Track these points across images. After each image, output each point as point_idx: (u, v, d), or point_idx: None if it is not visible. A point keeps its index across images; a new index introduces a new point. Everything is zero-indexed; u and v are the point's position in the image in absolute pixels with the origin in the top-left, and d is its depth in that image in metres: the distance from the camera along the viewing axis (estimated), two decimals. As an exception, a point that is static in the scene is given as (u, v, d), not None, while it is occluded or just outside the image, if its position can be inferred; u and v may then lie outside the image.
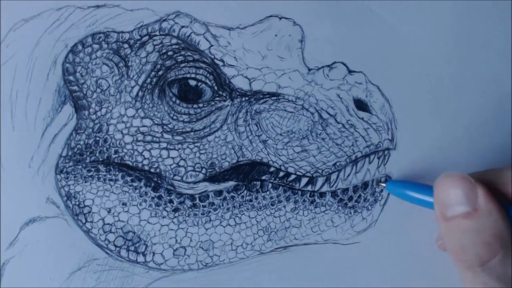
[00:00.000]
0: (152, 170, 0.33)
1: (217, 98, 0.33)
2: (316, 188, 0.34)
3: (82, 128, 0.33)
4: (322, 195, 0.34)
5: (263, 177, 0.34)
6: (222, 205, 0.34)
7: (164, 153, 0.33)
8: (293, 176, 0.34)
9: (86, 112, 0.33)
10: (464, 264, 0.28)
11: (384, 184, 0.34)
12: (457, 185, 0.28)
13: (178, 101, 0.33)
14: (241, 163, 0.34)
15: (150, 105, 0.33)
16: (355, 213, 0.35)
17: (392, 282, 0.35)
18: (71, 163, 0.33)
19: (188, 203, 0.34)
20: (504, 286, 0.27)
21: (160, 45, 0.33)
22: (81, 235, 0.33)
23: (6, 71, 0.33)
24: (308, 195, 0.34)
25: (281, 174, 0.34)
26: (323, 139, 0.34)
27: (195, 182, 0.34)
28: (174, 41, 0.33)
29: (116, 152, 0.33)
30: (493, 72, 0.35)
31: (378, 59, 0.34)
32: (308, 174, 0.34)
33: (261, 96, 0.33)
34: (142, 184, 0.33)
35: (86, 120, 0.33)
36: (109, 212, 0.33)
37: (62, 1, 0.33)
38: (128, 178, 0.33)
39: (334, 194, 0.34)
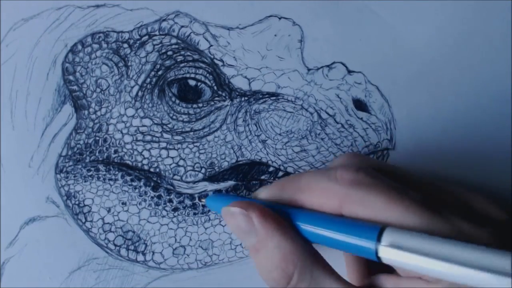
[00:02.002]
0: (151, 169, 0.33)
1: (216, 98, 0.34)
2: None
3: (82, 127, 0.33)
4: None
5: (262, 177, 0.34)
6: (222, 204, 0.34)
7: (164, 152, 0.33)
8: (292, 176, 0.34)
9: (86, 112, 0.33)
10: None
11: (204, 200, 0.33)
12: (235, 218, 0.27)
13: (177, 101, 0.33)
14: (241, 162, 0.34)
15: (150, 105, 0.33)
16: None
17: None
18: (71, 163, 0.33)
19: (188, 202, 0.34)
20: None
21: (160, 45, 0.33)
22: (81, 234, 0.34)
23: (5, 70, 0.33)
24: (307, 195, 0.34)
25: (280, 174, 0.34)
26: (322, 139, 0.34)
27: (194, 182, 0.34)
28: (173, 41, 0.33)
29: (115, 151, 0.33)
30: (493, 72, 0.35)
31: (377, 59, 0.34)
32: (307, 174, 0.34)
33: (261, 96, 0.34)
34: (141, 183, 0.34)
35: (85, 120, 0.33)
36: (108, 211, 0.34)
37: (61, 1, 0.33)
38: (128, 178, 0.33)
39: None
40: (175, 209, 0.34)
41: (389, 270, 0.27)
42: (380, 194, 0.25)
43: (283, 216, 0.27)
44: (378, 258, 0.23)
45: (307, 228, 0.26)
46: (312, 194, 0.27)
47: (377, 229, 0.23)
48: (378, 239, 0.23)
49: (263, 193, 0.29)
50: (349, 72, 0.34)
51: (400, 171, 0.29)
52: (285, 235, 0.26)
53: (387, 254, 0.23)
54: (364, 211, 0.25)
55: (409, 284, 0.25)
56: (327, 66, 0.34)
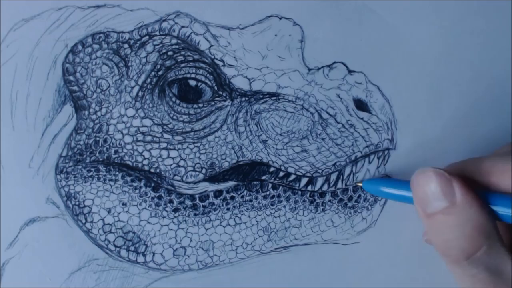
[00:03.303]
0: (152, 170, 0.33)
1: (217, 98, 0.33)
2: (316, 188, 0.34)
3: (82, 128, 0.33)
4: (322, 195, 0.34)
5: (263, 177, 0.34)
6: (222, 205, 0.34)
7: (164, 153, 0.33)
8: (293, 176, 0.34)
9: (86, 112, 0.33)
10: (450, 259, 0.28)
11: (360, 184, 0.34)
12: (432, 181, 0.28)
13: (178, 101, 0.33)
14: (241, 163, 0.34)
15: (150, 105, 0.33)
16: (355, 213, 0.35)
17: (393, 282, 0.35)
18: (71, 163, 0.33)
19: (188, 203, 0.34)
20: (493, 276, 0.27)
21: (160, 45, 0.33)
22: (81, 235, 0.33)
23: (6, 71, 0.33)
24: (308, 195, 0.34)
25: (281, 174, 0.34)
26: (323, 139, 0.34)
27: (195, 182, 0.34)
28: (174, 41, 0.33)
29: (116, 152, 0.33)
30: (493, 72, 0.35)
31: (378, 59, 0.34)
32: (308, 174, 0.34)
33: (261, 96, 0.34)
34: (142, 184, 0.33)
35: (86, 120, 0.33)
36: (109, 212, 0.33)
37: (62, 1, 0.33)
38: (128, 178, 0.33)
39: (334, 194, 0.34)
40: (176, 210, 0.34)
41: None
42: None
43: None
44: None
45: (498, 209, 0.28)
46: (501, 176, 0.28)
47: None
48: None
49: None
50: (350, 72, 0.34)
51: None
52: (483, 208, 0.27)
53: None
54: None
55: None
56: (328, 66, 0.34)
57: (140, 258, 0.34)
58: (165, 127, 0.33)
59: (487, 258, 0.27)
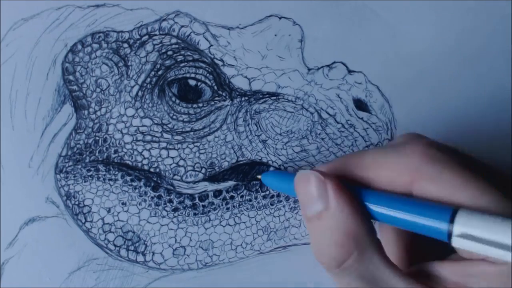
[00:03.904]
0: (151, 169, 0.33)
1: (216, 98, 0.33)
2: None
3: (82, 127, 0.33)
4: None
5: (263, 177, 0.34)
6: (222, 204, 0.34)
7: (164, 152, 0.33)
8: (292, 176, 0.34)
9: (86, 112, 0.33)
10: (324, 266, 0.26)
11: (259, 177, 0.33)
12: (310, 183, 0.26)
13: (177, 101, 0.33)
14: (241, 162, 0.34)
15: (150, 104, 0.33)
16: (354, 213, 0.35)
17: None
18: (70, 163, 0.33)
19: (188, 202, 0.34)
20: (368, 285, 0.25)
21: (160, 45, 0.33)
22: (80, 234, 0.33)
23: (5, 70, 0.33)
24: (307, 195, 0.34)
25: (281, 174, 0.34)
26: (322, 139, 0.34)
27: (194, 182, 0.34)
28: (173, 40, 0.33)
29: (115, 151, 0.33)
30: (493, 72, 0.35)
31: (378, 59, 0.34)
32: (308, 174, 0.34)
33: (261, 96, 0.33)
34: (141, 183, 0.33)
35: (85, 120, 0.33)
36: (108, 211, 0.33)
37: (61, 1, 0.33)
38: (128, 178, 0.33)
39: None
40: (175, 209, 0.34)
41: (430, 255, 0.26)
42: (455, 171, 0.24)
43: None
44: (449, 240, 0.23)
45: (375, 208, 0.26)
46: (380, 170, 0.26)
47: (450, 211, 0.23)
48: (451, 221, 0.23)
49: (323, 168, 0.28)
50: (350, 72, 0.34)
51: (461, 151, 0.27)
52: (355, 212, 0.25)
53: (460, 237, 0.23)
54: (437, 189, 0.24)
55: (474, 267, 0.24)
56: (328, 66, 0.34)
57: (140, 258, 0.34)
58: (164, 126, 0.33)
59: (358, 266, 0.25)
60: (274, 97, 0.33)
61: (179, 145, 0.33)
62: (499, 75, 0.35)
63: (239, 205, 0.34)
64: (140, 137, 0.33)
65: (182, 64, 0.33)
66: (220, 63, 0.33)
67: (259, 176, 0.33)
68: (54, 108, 0.33)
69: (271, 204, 0.34)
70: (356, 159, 0.27)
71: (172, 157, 0.33)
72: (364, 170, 0.27)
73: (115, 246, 0.33)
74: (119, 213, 0.33)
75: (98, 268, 0.34)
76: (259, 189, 0.34)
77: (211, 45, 0.33)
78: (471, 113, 0.35)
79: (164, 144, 0.33)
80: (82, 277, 0.33)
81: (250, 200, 0.34)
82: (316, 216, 0.26)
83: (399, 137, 0.29)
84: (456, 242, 0.23)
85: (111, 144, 0.33)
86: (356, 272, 0.25)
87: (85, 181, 0.33)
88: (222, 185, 0.34)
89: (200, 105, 0.33)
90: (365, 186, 0.27)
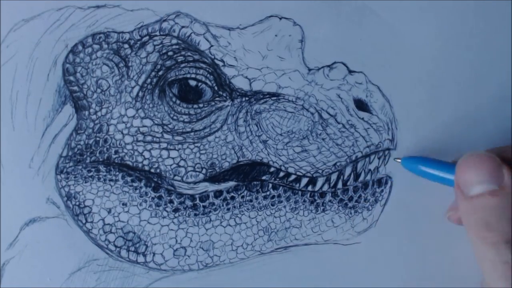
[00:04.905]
0: (152, 170, 0.33)
1: (217, 98, 0.33)
2: (316, 188, 0.34)
3: (82, 128, 0.33)
4: (322, 195, 0.34)
5: (263, 177, 0.34)
6: (222, 205, 0.34)
7: (164, 153, 0.33)
8: (293, 176, 0.34)
9: (87, 112, 0.33)
10: (488, 241, 0.28)
11: (399, 160, 0.34)
12: (482, 164, 0.29)
13: (178, 101, 0.33)
14: (241, 163, 0.34)
15: (150, 105, 0.33)
16: (355, 214, 0.35)
17: (393, 282, 0.35)
18: (71, 164, 0.33)
19: (188, 203, 0.34)
20: None
21: (160, 45, 0.33)
22: (81, 235, 0.33)
23: (6, 71, 0.33)
24: (308, 195, 0.34)
25: (281, 174, 0.34)
26: (323, 139, 0.34)
27: (195, 182, 0.34)
28: (174, 41, 0.33)
29: (116, 152, 0.33)
30: (493, 72, 0.35)
31: (378, 59, 0.34)
32: (308, 174, 0.34)
33: (261, 96, 0.33)
34: (142, 184, 0.33)
35: (86, 121, 0.33)
36: (109, 212, 0.33)
37: (62, 1, 0.33)
38: (128, 178, 0.33)
39: (334, 194, 0.34)
40: (176, 210, 0.34)
41: None
42: None
43: None
44: None
45: None
46: None
47: None
48: None
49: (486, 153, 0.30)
50: (350, 72, 0.34)
51: None
52: None
53: None
54: None
55: None
56: (328, 66, 0.34)
57: (140, 258, 0.34)
58: (165, 127, 0.33)
59: None
60: (275, 98, 0.33)
61: (180, 146, 0.33)
62: (499, 75, 0.35)
63: (239, 206, 0.34)
64: (140, 137, 0.33)
65: (182, 65, 0.33)
66: (220, 63, 0.33)
67: (398, 160, 0.34)
68: (54, 108, 0.33)
69: (272, 205, 0.34)
70: None
71: (173, 158, 0.33)
72: None
73: (116, 246, 0.33)
74: (119, 213, 0.33)
75: (98, 268, 0.33)
76: (260, 189, 0.34)
77: (212, 46, 0.33)
78: (471, 113, 0.35)
79: (164, 145, 0.33)
80: (83, 277, 0.33)
81: (251, 201, 0.34)
82: (489, 193, 0.28)
83: None
84: None
85: (111, 144, 0.33)
86: None
87: (85, 182, 0.33)
88: (222, 186, 0.34)
89: (201, 105, 0.33)
90: None
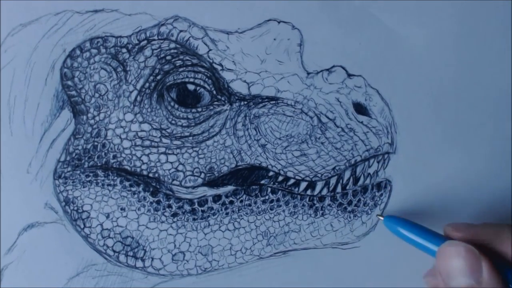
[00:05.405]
0: (150, 175, 0.33)
1: (215, 103, 0.33)
2: (315, 193, 0.34)
3: (80, 133, 0.33)
4: (321, 199, 0.34)
5: (262, 182, 0.34)
6: (221, 209, 0.34)
7: (163, 157, 0.33)
8: (292, 181, 0.34)
9: (84, 117, 0.33)
10: None
11: (381, 218, 0.34)
12: (461, 256, 0.28)
13: (176, 106, 0.33)
14: (240, 167, 0.34)
15: (149, 109, 0.33)
16: (354, 218, 0.35)
17: (392, 286, 0.35)
18: (69, 168, 0.33)
19: (187, 208, 0.34)
20: None
21: (159, 50, 0.33)
22: (79, 240, 0.33)
23: (4, 76, 0.33)
24: (307, 199, 0.34)
25: (280, 178, 0.34)
26: (322, 143, 0.34)
27: (194, 187, 0.34)
28: (172, 45, 0.33)
29: (114, 157, 0.33)
30: (493, 74, 0.34)
31: (377, 63, 0.34)
32: (307, 178, 0.34)
33: (260, 100, 0.33)
34: (140, 189, 0.33)
35: (84, 125, 0.33)
36: (107, 217, 0.33)
37: (60, 6, 0.33)
38: (127, 183, 0.33)
39: (333, 198, 0.34)
40: (174, 215, 0.34)
41: None
42: None
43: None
44: None
45: None
46: None
47: None
48: None
49: (457, 233, 0.30)
50: (349, 75, 0.34)
51: None
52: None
53: None
54: None
55: None
56: (327, 69, 0.34)
57: (139, 263, 0.34)
58: (163, 131, 0.33)
59: None
60: (273, 101, 0.33)
61: (178, 150, 0.33)
62: (499, 77, 0.35)
63: (238, 210, 0.34)
64: (139, 142, 0.33)
65: (181, 69, 0.33)
66: (219, 67, 0.33)
67: (381, 218, 0.34)
68: (52, 113, 0.33)
69: (271, 209, 0.34)
70: (495, 231, 0.29)
71: (171, 162, 0.33)
72: (504, 245, 0.29)
73: (114, 251, 0.33)
74: (118, 218, 0.33)
75: (97, 274, 0.33)
76: (259, 193, 0.34)
77: (210, 50, 0.33)
78: (471, 116, 0.35)
79: (163, 149, 0.33)
80: (81, 282, 0.33)
81: (250, 205, 0.34)
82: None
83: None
84: None
85: (109, 149, 0.33)
86: None
87: (83, 187, 0.33)
88: (221, 190, 0.34)
89: (199, 109, 0.33)
90: (505, 261, 0.29)
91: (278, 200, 0.34)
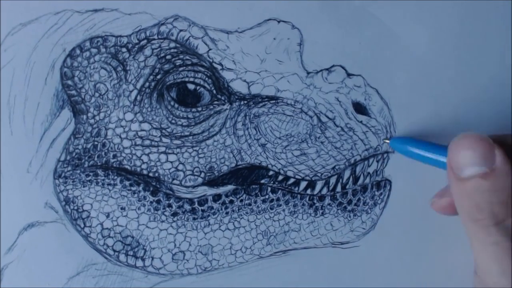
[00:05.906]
0: (150, 174, 0.33)
1: (215, 102, 0.33)
2: (315, 192, 0.34)
3: (81, 132, 0.33)
4: (321, 198, 0.34)
5: (262, 181, 0.34)
6: (221, 209, 0.34)
7: (163, 157, 0.33)
8: (292, 180, 0.34)
9: (84, 117, 0.33)
10: (478, 223, 0.28)
11: (388, 141, 0.34)
12: (475, 145, 0.28)
13: (176, 105, 0.33)
14: (240, 167, 0.34)
15: (149, 109, 0.33)
16: (354, 217, 0.35)
17: (392, 285, 0.35)
18: (69, 168, 0.33)
19: (187, 207, 0.34)
20: None
21: (159, 49, 0.33)
22: (79, 240, 0.33)
23: (4, 75, 0.33)
24: (307, 198, 0.34)
25: (280, 177, 0.34)
26: (322, 142, 0.34)
27: (194, 186, 0.34)
28: (172, 45, 0.33)
29: (114, 156, 0.33)
30: (493, 73, 0.34)
31: (376, 62, 0.34)
32: (307, 178, 0.34)
33: (260, 100, 0.33)
34: (140, 188, 0.33)
35: (84, 125, 0.33)
36: (107, 216, 0.33)
37: (60, 5, 0.33)
38: (127, 183, 0.33)
39: (333, 197, 0.34)
40: (174, 214, 0.34)
41: None
42: None
43: None
44: None
45: None
46: None
47: None
48: None
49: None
50: (349, 75, 0.34)
51: None
52: None
53: None
54: None
55: None
56: (327, 69, 0.34)
57: (139, 263, 0.34)
58: (163, 131, 0.33)
59: None
60: (273, 101, 0.33)
61: (178, 150, 0.33)
62: (499, 76, 0.35)
63: (238, 210, 0.34)
64: (139, 141, 0.33)
65: (181, 68, 0.33)
66: (219, 67, 0.33)
67: (387, 141, 0.34)
68: (52, 113, 0.33)
69: (271, 208, 0.34)
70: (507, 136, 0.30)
71: (171, 162, 0.33)
72: None
73: (114, 251, 0.33)
74: (118, 218, 0.33)
75: (97, 273, 0.33)
76: (259, 193, 0.34)
77: (210, 49, 0.33)
78: (471, 116, 0.35)
79: (163, 149, 0.33)
80: (81, 282, 0.33)
81: (250, 204, 0.34)
82: (480, 176, 0.28)
83: None
84: None
85: (110, 148, 0.33)
86: (510, 230, 0.27)
87: (84, 186, 0.33)
88: (221, 189, 0.34)
89: (199, 109, 0.33)
90: None
91: (278, 199, 0.34)
